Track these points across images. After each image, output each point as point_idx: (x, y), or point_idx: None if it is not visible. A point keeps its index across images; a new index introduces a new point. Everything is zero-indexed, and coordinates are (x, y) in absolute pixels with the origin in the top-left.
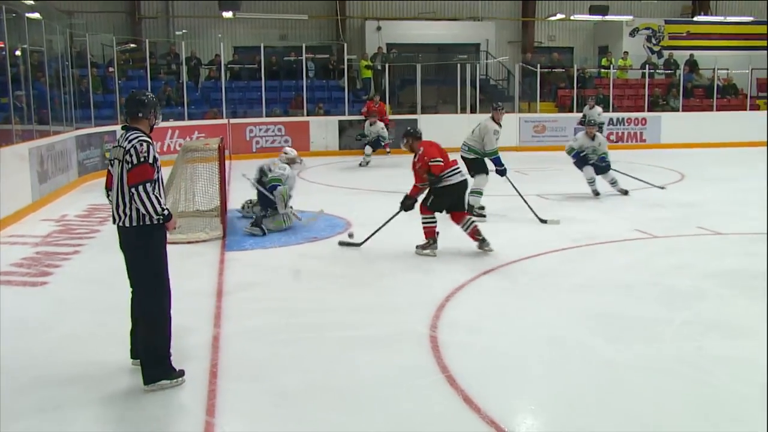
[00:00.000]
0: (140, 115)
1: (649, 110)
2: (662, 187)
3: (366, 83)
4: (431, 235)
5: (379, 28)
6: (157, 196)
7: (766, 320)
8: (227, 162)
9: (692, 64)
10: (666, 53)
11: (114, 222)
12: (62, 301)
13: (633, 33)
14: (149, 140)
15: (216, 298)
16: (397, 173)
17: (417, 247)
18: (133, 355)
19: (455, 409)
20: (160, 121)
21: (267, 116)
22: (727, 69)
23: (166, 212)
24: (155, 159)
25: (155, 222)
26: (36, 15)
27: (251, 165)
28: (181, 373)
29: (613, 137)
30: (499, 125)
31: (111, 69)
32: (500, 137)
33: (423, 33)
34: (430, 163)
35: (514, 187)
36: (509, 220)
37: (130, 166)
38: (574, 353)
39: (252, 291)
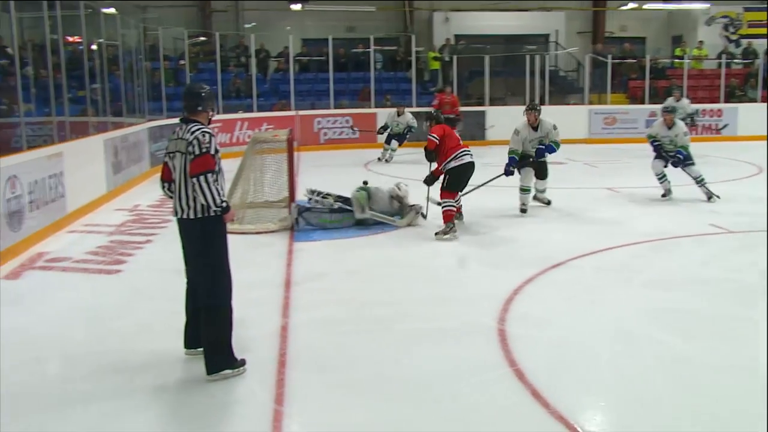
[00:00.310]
0: (199, 108)
1: (725, 101)
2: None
3: (434, 75)
4: (449, 219)
5: (447, 20)
6: (217, 188)
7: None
8: (296, 153)
9: None
10: (744, 42)
11: (176, 215)
12: (135, 290)
13: (709, 22)
14: (211, 132)
15: (284, 289)
16: None
17: (436, 234)
18: (187, 344)
19: (523, 404)
20: (215, 114)
21: (335, 108)
22: None
23: (225, 204)
24: (216, 151)
25: (214, 213)
26: (112, 10)
27: (319, 156)
28: (243, 362)
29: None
30: (534, 128)
31: (182, 62)
32: (559, 132)
33: (491, 24)
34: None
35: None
36: (579, 213)
37: (192, 156)
38: (646, 350)
39: (320, 282)
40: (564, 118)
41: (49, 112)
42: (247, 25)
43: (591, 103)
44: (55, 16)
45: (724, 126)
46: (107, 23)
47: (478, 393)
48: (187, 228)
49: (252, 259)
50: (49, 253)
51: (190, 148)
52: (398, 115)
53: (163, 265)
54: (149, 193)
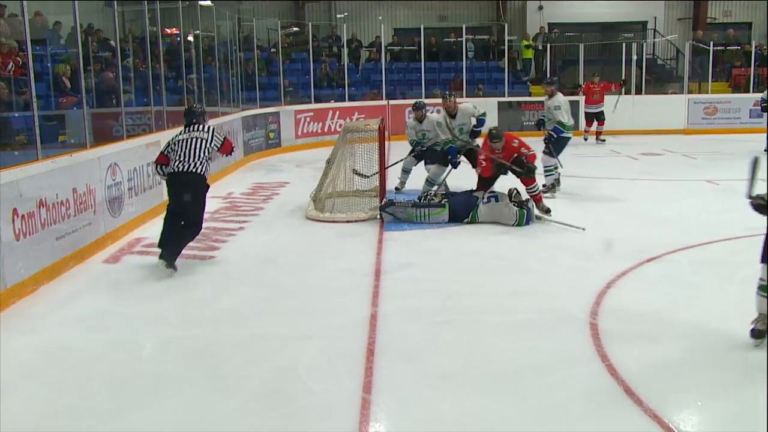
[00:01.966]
0: (194, 121)
1: None
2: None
3: (526, 64)
4: (541, 200)
5: (540, 8)
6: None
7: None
8: (387, 143)
9: None
10: None
11: (184, 169)
12: (228, 275)
13: None
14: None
15: (374, 278)
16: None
17: (537, 218)
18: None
19: (615, 400)
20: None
21: (426, 97)
22: None
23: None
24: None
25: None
26: (208, 3)
27: (410, 147)
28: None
29: None
30: (452, 116)
31: (273, 50)
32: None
33: (586, 11)
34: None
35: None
36: (676, 206)
37: (219, 144)
38: (746, 350)
39: (409, 271)
40: (662, 108)
41: (147, 102)
42: (339, 15)
43: (690, 92)
44: (154, 9)
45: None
46: (203, 15)
47: (569, 388)
48: (192, 179)
49: (342, 248)
50: (147, 238)
51: (215, 141)
52: (419, 121)
53: (255, 251)
54: (243, 181)
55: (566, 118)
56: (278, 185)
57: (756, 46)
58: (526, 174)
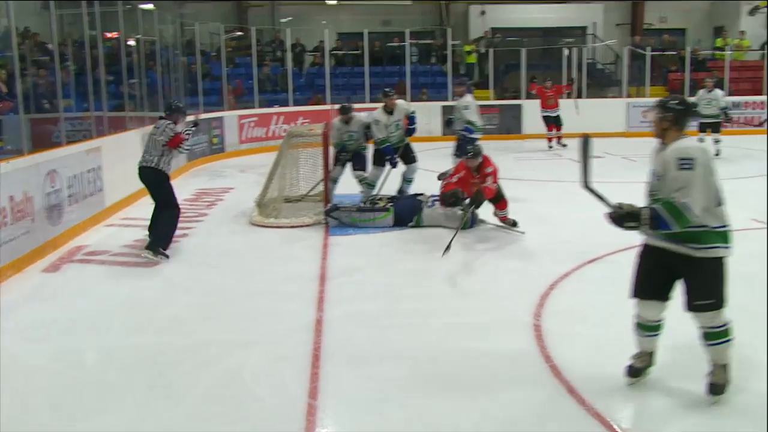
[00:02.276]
0: (167, 112)
1: None
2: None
3: (469, 68)
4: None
5: (483, 13)
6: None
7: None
8: (331, 148)
9: None
10: None
11: (141, 164)
12: (171, 283)
13: (753, 12)
14: (172, 126)
15: (319, 282)
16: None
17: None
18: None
19: (559, 400)
20: (183, 120)
21: (371, 102)
22: None
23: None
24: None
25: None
26: (149, 6)
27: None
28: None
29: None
30: (390, 113)
31: (213, 54)
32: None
33: (528, 16)
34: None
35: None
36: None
37: (167, 138)
38: (687, 346)
39: (354, 275)
40: (602, 111)
41: (87, 107)
42: (282, 20)
43: (629, 96)
44: (93, 12)
45: (763, 122)
46: (145, 19)
47: (514, 389)
48: (147, 173)
49: (287, 253)
50: (88, 246)
51: (166, 134)
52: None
53: (199, 257)
54: (186, 187)
55: (475, 118)
56: (222, 191)
57: (691, 52)
58: (473, 204)
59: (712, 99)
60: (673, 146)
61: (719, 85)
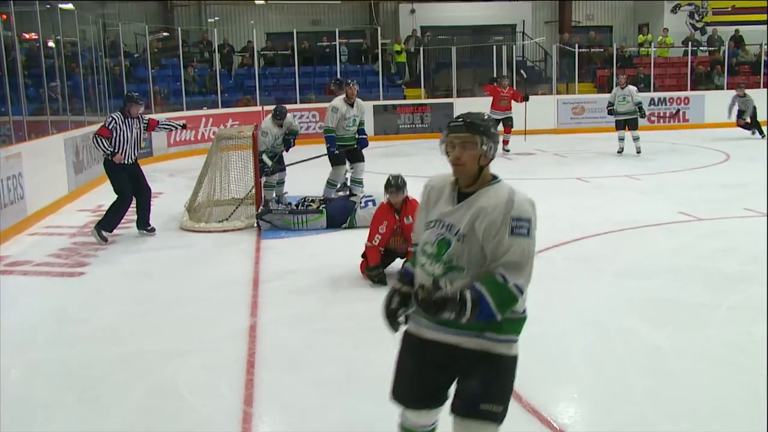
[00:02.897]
0: (123, 103)
1: (692, 89)
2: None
3: (400, 67)
4: None
5: (413, 11)
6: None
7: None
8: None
9: (737, 40)
10: (710, 29)
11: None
12: (100, 291)
13: (675, 9)
14: (113, 117)
15: (252, 287)
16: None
17: None
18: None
19: None
20: (139, 109)
21: (301, 102)
22: None
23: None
24: (110, 126)
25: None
26: (69, 6)
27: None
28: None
29: (654, 117)
30: (351, 104)
31: (136, 55)
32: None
33: (458, 15)
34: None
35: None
36: (548, 204)
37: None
38: (618, 340)
39: (288, 279)
40: (532, 109)
41: (5, 111)
42: (210, 20)
43: (559, 92)
44: (9, 12)
45: (676, 111)
46: (65, 19)
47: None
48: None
49: (219, 258)
50: (9, 256)
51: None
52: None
53: (128, 265)
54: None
55: (330, 123)
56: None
57: (617, 49)
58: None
59: (626, 95)
60: (494, 194)
61: (633, 81)
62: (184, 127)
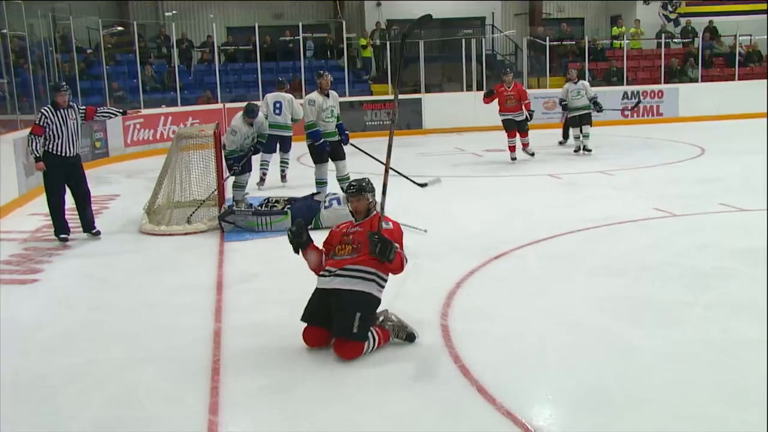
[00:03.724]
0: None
1: (665, 82)
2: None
3: (366, 63)
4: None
5: (378, 4)
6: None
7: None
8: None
9: (712, 31)
10: (683, 21)
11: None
12: (54, 299)
13: (647, 1)
14: (42, 111)
15: (216, 292)
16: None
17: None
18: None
19: (469, 401)
20: (65, 97)
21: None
22: (750, 35)
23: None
24: (40, 121)
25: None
26: None
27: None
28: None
29: (627, 112)
30: (326, 95)
31: (89, 50)
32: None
33: (425, 8)
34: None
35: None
36: (521, 201)
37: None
38: (594, 339)
39: (254, 283)
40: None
41: None
42: (167, 14)
43: (530, 87)
44: None
45: (637, 104)
46: (11, 12)
47: (423, 391)
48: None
49: (181, 262)
50: None
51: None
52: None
53: (83, 270)
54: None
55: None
56: (107, 198)
57: (589, 41)
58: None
59: (580, 89)
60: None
61: (606, 75)
62: (124, 113)
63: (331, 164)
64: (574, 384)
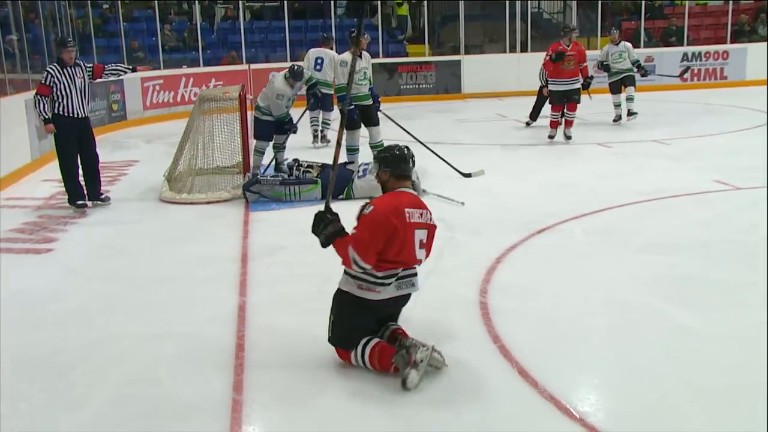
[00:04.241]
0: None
1: (732, 42)
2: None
3: (402, 21)
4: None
5: None
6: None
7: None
8: (249, 113)
9: None
10: None
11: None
12: (69, 270)
13: None
14: (48, 69)
15: (241, 264)
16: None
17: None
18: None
19: (509, 383)
20: (71, 53)
21: (292, 60)
22: None
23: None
24: (46, 80)
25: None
26: None
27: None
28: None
29: (687, 75)
30: (359, 55)
31: (105, 6)
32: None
33: None
34: None
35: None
36: (567, 172)
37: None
38: (643, 320)
39: (281, 255)
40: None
41: None
42: None
43: None
44: None
45: (686, 70)
46: None
47: (461, 372)
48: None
49: (203, 233)
50: None
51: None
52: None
53: (101, 240)
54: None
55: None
56: (126, 164)
57: None
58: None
59: (622, 51)
60: None
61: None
62: (133, 70)
63: (364, 130)
64: (621, 368)
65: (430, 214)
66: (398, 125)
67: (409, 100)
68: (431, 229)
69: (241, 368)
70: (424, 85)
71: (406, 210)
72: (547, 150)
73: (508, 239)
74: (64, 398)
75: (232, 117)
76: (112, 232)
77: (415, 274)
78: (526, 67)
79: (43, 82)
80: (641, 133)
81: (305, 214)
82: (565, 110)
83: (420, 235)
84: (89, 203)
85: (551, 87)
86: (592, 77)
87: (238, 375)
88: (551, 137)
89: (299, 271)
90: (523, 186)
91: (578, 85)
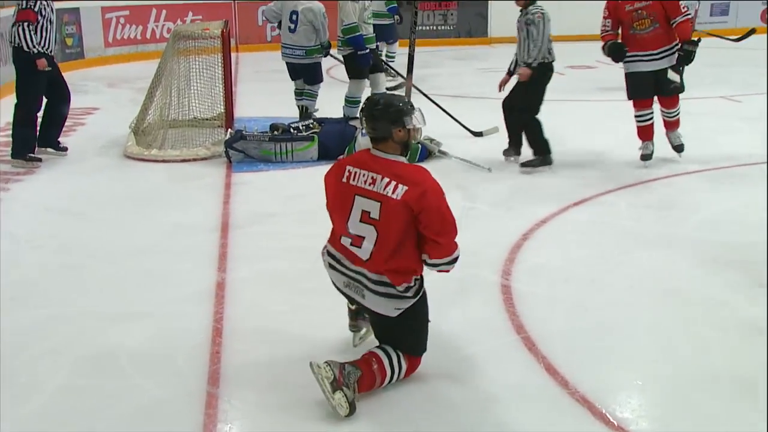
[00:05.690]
0: None
1: None
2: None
3: None
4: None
5: None
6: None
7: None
8: (233, 54)
9: None
10: None
11: None
12: (14, 237)
13: None
14: None
15: (220, 234)
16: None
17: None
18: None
19: (535, 382)
20: None
21: None
22: None
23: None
24: (35, 6)
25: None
26: None
27: (264, 58)
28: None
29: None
30: None
31: None
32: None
33: None
34: None
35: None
36: (610, 134)
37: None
38: (701, 313)
39: (268, 224)
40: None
41: None
42: None
43: None
44: None
45: (744, 36)
46: None
47: (480, 369)
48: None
49: (176, 196)
50: None
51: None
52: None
53: (53, 203)
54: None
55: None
56: (84, 112)
57: None
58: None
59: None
60: None
61: None
62: None
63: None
64: (671, 370)
65: (401, 187)
66: (397, 73)
67: (424, 45)
68: (389, 203)
69: (218, 357)
70: (443, 27)
71: (348, 168)
72: (590, 107)
73: (538, 211)
74: (8, 387)
75: (212, 59)
76: (68, 194)
77: (366, 282)
78: (562, 9)
79: (30, 7)
80: (706, 89)
81: (299, 176)
82: (660, 106)
83: (364, 204)
84: (41, 157)
85: (625, 69)
86: (696, 42)
87: (214, 365)
88: (645, 157)
89: (290, 243)
90: (559, 149)
91: (671, 62)
